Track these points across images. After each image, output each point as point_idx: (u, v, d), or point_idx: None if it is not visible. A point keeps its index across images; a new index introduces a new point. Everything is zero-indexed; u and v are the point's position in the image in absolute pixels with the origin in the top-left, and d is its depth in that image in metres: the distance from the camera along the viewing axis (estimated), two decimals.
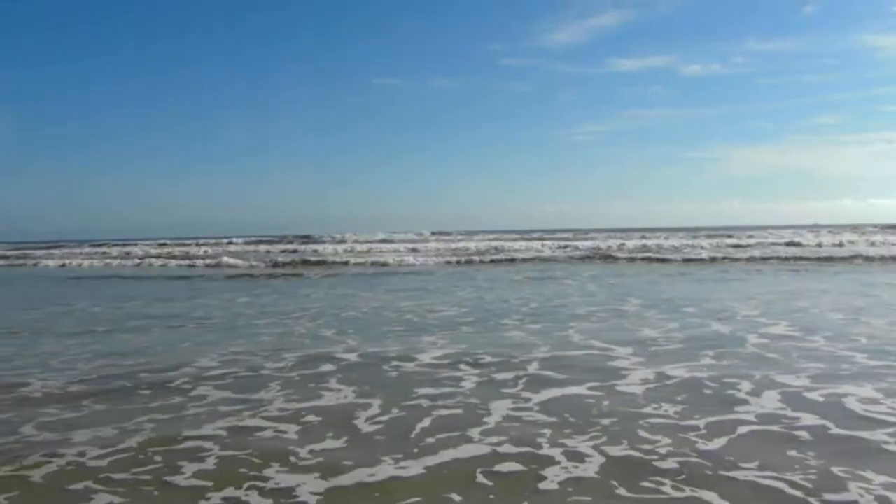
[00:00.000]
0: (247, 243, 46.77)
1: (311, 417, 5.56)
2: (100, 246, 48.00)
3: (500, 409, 5.68)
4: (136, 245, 47.23)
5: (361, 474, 4.30)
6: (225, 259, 28.13)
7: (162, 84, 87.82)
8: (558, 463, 4.42)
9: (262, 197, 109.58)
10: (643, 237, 40.47)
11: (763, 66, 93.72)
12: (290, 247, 39.04)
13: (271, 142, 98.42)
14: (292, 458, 4.61)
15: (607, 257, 26.34)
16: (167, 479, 4.29)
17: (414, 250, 31.29)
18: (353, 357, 8.00)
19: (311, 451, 4.75)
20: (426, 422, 5.36)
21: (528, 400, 5.95)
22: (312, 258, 28.41)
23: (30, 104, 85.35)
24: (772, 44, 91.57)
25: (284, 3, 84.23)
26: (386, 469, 4.38)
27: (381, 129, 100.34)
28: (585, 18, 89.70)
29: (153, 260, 31.83)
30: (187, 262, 30.10)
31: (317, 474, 4.32)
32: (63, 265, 31.99)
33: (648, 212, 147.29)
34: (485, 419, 5.38)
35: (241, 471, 4.41)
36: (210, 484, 4.19)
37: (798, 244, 31.27)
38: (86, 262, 33.05)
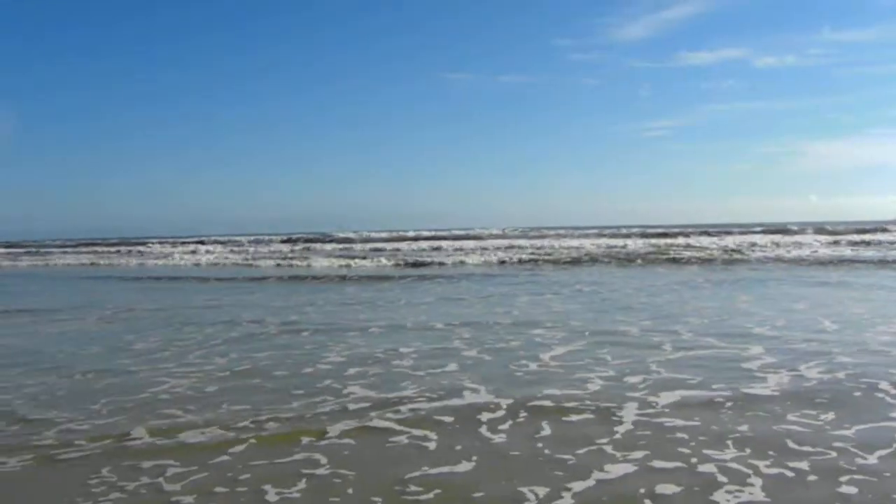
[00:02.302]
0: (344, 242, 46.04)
1: (438, 418, 5.20)
2: (138, 244, 45.60)
3: (630, 414, 5.20)
4: (201, 243, 44.52)
5: None
6: (358, 261, 26.81)
7: (243, 91, 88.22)
8: (721, 484, 3.84)
9: (329, 194, 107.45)
10: (728, 233, 38.58)
11: (839, 58, 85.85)
12: (394, 246, 38.53)
13: (325, 136, 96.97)
14: (407, 485, 3.95)
15: (704, 260, 25.12)
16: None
17: (509, 247, 30.60)
18: (475, 353, 7.68)
19: (430, 475, 4.09)
20: (558, 429, 4.92)
21: (656, 405, 5.43)
22: (419, 258, 27.99)
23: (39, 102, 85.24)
24: (848, 34, 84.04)
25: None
26: None
27: (450, 126, 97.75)
28: (656, 11, 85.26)
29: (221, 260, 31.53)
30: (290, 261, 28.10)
31: None
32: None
33: (723, 208, 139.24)
34: (616, 428, 4.91)
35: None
36: None
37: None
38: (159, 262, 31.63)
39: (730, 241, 30.21)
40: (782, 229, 38.12)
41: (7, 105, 79.43)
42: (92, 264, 30.45)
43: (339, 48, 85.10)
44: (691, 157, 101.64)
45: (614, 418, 5.12)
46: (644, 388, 5.93)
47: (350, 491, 3.88)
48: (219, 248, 40.25)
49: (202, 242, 45.34)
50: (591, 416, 5.20)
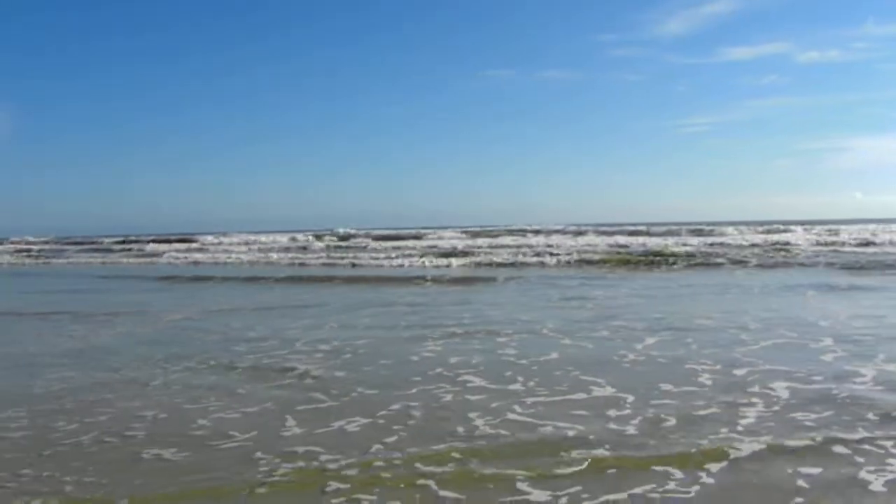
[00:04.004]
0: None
1: (566, 410, 5.30)
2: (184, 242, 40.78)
3: (751, 412, 5.13)
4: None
5: None
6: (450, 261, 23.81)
7: (270, 76, 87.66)
8: (860, 464, 4.01)
9: (364, 188, 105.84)
10: (784, 230, 37.75)
11: (885, 52, 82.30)
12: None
13: (369, 132, 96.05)
14: (546, 468, 4.07)
15: (756, 257, 24.79)
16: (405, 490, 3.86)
17: (552, 246, 30.12)
18: (570, 342, 7.88)
19: (569, 458, 4.29)
20: (681, 414, 5.05)
21: (776, 400, 5.41)
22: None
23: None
24: (894, 27, 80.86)
25: None
26: None
27: (490, 120, 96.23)
28: (697, 6, 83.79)
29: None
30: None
31: None
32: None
33: (764, 205, 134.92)
34: (741, 420, 4.96)
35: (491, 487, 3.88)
36: None
37: None
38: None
39: (777, 238, 29.70)
40: (832, 229, 37.23)
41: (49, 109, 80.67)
42: (152, 263, 29.94)
43: (383, 52, 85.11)
44: (732, 154, 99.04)
45: (740, 413, 5.17)
46: (755, 387, 5.85)
47: (489, 471, 4.07)
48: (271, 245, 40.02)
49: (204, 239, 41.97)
50: (716, 409, 5.23)
